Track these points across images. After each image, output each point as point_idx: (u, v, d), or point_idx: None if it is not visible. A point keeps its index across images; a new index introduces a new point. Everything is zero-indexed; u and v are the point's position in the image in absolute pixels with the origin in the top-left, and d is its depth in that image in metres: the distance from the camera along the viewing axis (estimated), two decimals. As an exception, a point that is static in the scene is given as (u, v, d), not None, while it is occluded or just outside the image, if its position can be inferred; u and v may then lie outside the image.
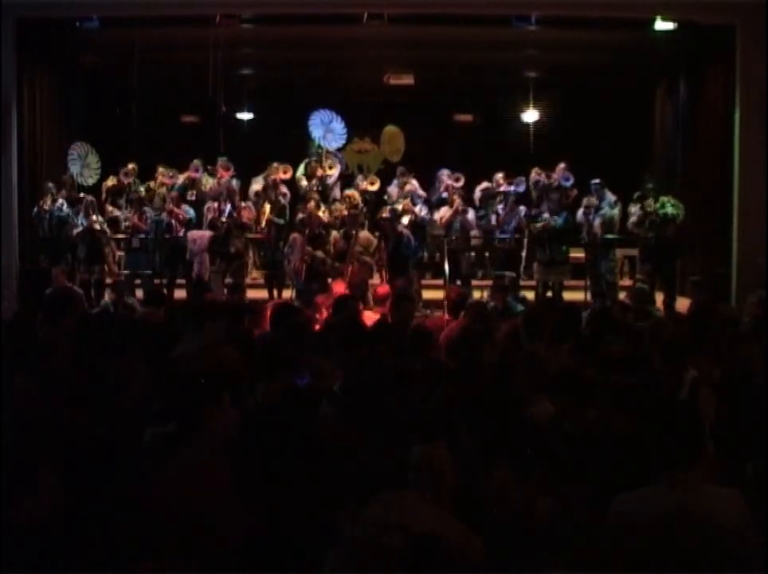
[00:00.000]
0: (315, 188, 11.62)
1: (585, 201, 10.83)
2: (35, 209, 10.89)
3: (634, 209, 10.62)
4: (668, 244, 10.34)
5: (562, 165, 11.45)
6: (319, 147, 12.65)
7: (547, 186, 11.39)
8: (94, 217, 10.76)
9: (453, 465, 3.02)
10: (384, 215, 10.92)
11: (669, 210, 10.35)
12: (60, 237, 10.81)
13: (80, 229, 10.66)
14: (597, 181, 10.91)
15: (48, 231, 10.86)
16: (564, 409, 3.74)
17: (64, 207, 10.88)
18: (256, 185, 11.72)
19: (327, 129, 12.84)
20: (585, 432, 3.56)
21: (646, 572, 2.67)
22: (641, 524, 2.74)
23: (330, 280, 9.99)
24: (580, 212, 10.82)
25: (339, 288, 8.34)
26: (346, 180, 12.63)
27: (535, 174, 11.71)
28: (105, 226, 10.99)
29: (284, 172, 11.81)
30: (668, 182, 12.15)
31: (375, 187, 11.95)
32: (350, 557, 2.39)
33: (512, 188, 11.35)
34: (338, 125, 12.87)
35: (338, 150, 12.79)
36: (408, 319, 6.18)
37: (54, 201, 10.89)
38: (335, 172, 12.07)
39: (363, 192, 11.80)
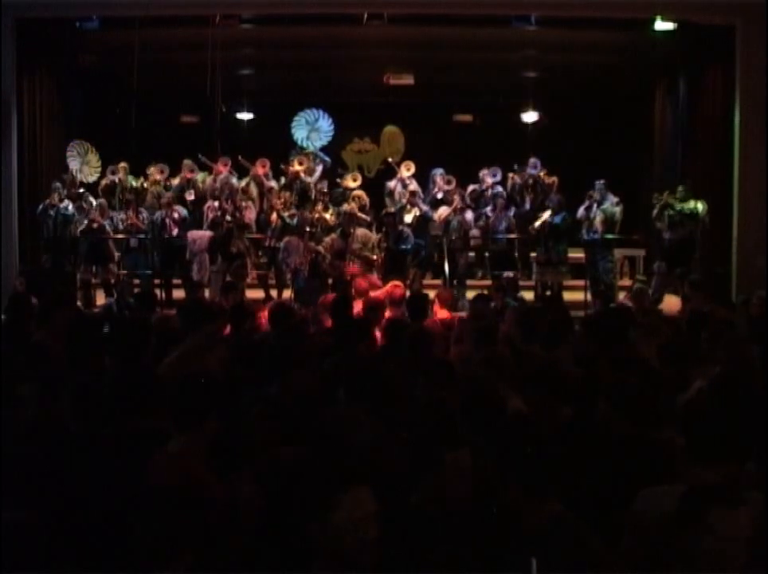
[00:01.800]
0: (296, 188, 11.61)
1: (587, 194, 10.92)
2: (41, 206, 10.82)
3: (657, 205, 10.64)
4: (686, 243, 10.34)
5: (531, 160, 11.65)
6: (301, 148, 12.68)
7: (545, 186, 11.46)
8: (108, 219, 10.85)
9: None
10: (389, 210, 10.95)
11: (694, 206, 10.35)
12: (64, 237, 10.80)
13: (84, 226, 10.69)
14: (602, 181, 10.95)
15: (52, 230, 10.84)
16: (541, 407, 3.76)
17: (70, 207, 10.88)
18: (243, 184, 11.83)
19: (311, 129, 12.87)
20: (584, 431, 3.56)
21: (660, 572, 2.66)
22: (656, 523, 2.73)
23: (330, 280, 10.00)
24: (581, 209, 10.86)
25: (363, 283, 8.22)
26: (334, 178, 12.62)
27: (511, 179, 11.88)
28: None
29: (262, 166, 11.84)
30: (668, 183, 12.15)
31: (356, 184, 11.95)
32: (329, 557, 2.39)
33: (492, 183, 11.50)
34: (325, 123, 12.88)
35: (324, 148, 12.80)
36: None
37: (62, 200, 10.89)
38: (304, 167, 11.93)
39: (345, 188, 11.84)
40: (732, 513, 2.43)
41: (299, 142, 12.85)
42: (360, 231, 10.37)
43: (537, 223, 10.78)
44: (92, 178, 11.75)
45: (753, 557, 2.45)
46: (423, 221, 11.11)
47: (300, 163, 11.90)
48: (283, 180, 11.85)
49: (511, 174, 11.99)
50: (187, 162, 12.04)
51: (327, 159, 12.64)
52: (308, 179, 11.83)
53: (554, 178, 11.53)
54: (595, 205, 10.80)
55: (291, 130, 12.80)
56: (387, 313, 6.47)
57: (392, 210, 11.05)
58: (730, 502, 2.45)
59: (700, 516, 2.41)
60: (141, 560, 2.47)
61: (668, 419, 3.56)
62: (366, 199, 11.25)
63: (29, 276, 10.03)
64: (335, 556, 2.35)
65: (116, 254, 11.30)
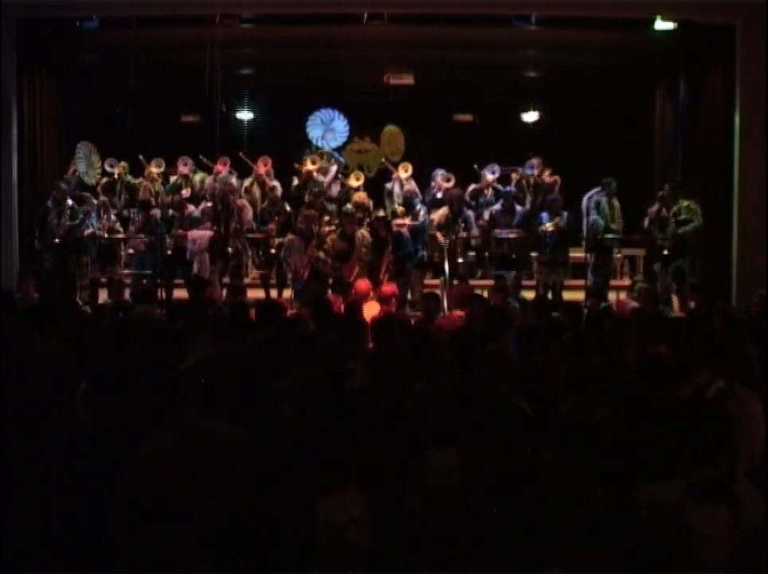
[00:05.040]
0: (310, 188, 11.58)
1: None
2: (49, 205, 10.68)
3: (652, 209, 10.64)
4: (677, 243, 10.37)
5: (533, 160, 11.58)
6: (317, 147, 12.64)
7: (545, 186, 11.41)
8: (105, 218, 10.80)
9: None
10: (379, 215, 10.80)
11: (684, 216, 10.37)
12: (68, 238, 10.69)
13: (91, 230, 10.65)
14: (609, 180, 10.90)
15: (56, 230, 10.75)
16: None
17: (74, 211, 10.73)
18: (246, 183, 11.84)
19: (327, 128, 12.81)
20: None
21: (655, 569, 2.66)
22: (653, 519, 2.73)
23: (330, 281, 9.99)
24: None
25: (363, 286, 8.25)
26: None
27: (514, 177, 11.81)
28: (117, 224, 11.12)
29: (264, 164, 11.82)
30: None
31: (359, 183, 11.92)
32: (318, 559, 2.38)
33: (491, 180, 11.46)
34: (341, 124, 12.83)
35: (338, 149, 12.77)
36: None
37: (62, 202, 10.75)
38: (317, 167, 11.89)
39: (348, 188, 11.81)
40: (709, 512, 2.43)
41: (314, 140, 12.81)
42: (362, 233, 10.37)
43: (549, 225, 10.74)
44: (93, 180, 11.75)
45: (731, 557, 2.44)
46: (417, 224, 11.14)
47: (314, 163, 11.88)
48: (296, 180, 11.84)
49: (513, 174, 11.94)
50: (183, 158, 12.01)
51: (341, 159, 12.61)
52: (322, 179, 11.83)
53: (556, 178, 11.46)
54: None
55: (307, 128, 12.75)
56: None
57: (381, 214, 10.88)
58: (709, 501, 2.44)
59: (680, 514, 2.42)
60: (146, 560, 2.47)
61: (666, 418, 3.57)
62: (368, 203, 11.20)
63: (35, 278, 10.01)
64: (323, 558, 2.34)
65: (123, 254, 11.31)
